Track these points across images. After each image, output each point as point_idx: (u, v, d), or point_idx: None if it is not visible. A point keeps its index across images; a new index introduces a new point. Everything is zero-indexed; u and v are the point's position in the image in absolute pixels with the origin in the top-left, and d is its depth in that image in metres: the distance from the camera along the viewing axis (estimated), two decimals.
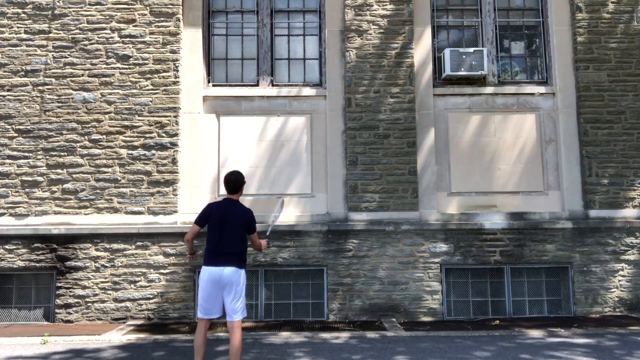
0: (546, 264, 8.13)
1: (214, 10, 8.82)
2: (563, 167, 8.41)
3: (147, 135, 8.09)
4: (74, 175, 8.00)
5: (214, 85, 8.65)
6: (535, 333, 6.90)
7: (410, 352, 6.00)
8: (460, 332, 6.99)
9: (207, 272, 4.92)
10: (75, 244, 7.82)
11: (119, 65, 8.19)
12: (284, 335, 6.84)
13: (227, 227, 5.01)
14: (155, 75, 8.19)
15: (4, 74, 8.12)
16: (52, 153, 8.03)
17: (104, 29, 8.24)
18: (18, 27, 8.20)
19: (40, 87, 8.12)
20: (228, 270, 4.88)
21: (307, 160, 8.42)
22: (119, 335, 6.83)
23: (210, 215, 5.13)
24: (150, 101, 8.14)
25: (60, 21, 8.23)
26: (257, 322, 7.78)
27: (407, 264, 7.96)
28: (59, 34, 8.22)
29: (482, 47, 8.69)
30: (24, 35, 8.19)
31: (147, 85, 8.16)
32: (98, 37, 8.22)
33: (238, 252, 5.00)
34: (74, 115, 8.09)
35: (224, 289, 4.90)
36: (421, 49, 8.57)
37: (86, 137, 8.07)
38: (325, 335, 6.86)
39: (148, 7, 8.28)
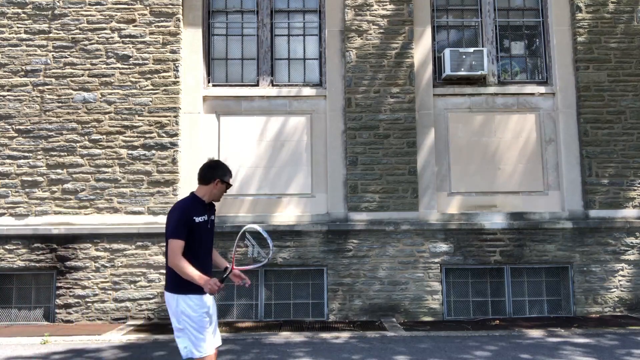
0: (546, 264, 8.13)
1: (214, 10, 8.82)
2: (563, 167, 8.41)
3: (147, 135, 8.09)
4: (74, 175, 8.00)
5: (214, 85, 8.65)
6: (535, 333, 6.90)
7: (410, 352, 6.00)
8: (460, 332, 6.99)
9: None
10: (75, 244, 7.82)
11: (119, 65, 8.19)
12: (284, 335, 6.84)
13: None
14: (155, 75, 8.18)
15: (4, 74, 8.12)
16: (52, 153, 8.02)
17: (104, 29, 8.23)
18: (18, 27, 8.20)
19: (40, 87, 8.12)
20: (166, 295, 3.81)
21: (307, 160, 8.42)
22: (119, 335, 6.83)
23: None
24: (150, 101, 8.14)
25: (60, 21, 8.23)
26: (257, 322, 7.79)
27: (407, 264, 7.96)
28: (59, 34, 8.21)
29: (482, 47, 8.70)
30: (24, 35, 8.19)
31: (147, 85, 8.16)
32: (98, 37, 8.22)
33: (168, 270, 3.77)
34: (74, 115, 8.09)
35: None
36: (421, 49, 8.57)
37: (86, 137, 8.06)
38: (326, 335, 6.86)
39: (148, 7, 8.28)
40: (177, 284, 3.66)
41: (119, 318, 7.74)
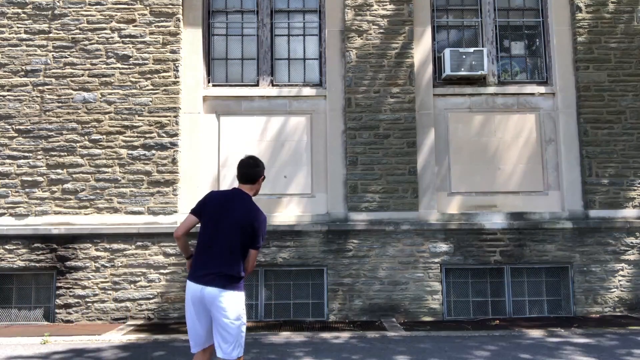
0: (546, 264, 8.13)
1: (214, 10, 8.82)
2: (563, 167, 8.41)
3: (147, 135, 8.09)
4: (74, 175, 8.00)
5: (214, 85, 8.65)
6: (535, 333, 6.90)
7: (410, 352, 6.00)
8: (460, 332, 6.99)
9: (189, 290, 3.70)
10: (75, 244, 7.82)
11: (119, 65, 8.19)
12: (284, 335, 6.84)
13: (223, 228, 3.71)
14: (155, 75, 8.18)
15: (4, 74, 8.12)
16: (52, 153, 8.02)
17: (104, 29, 8.23)
18: (18, 27, 8.20)
19: (40, 87, 8.12)
20: (210, 291, 3.61)
21: (307, 160, 8.42)
22: (119, 335, 6.83)
23: (205, 205, 3.86)
24: (150, 101, 8.14)
25: (60, 21, 8.22)
26: (257, 322, 7.79)
27: (407, 264, 7.96)
28: (59, 34, 8.21)
29: (482, 47, 8.69)
30: (24, 35, 8.19)
31: (147, 85, 8.16)
32: (98, 37, 8.22)
33: (230, 267, 3.67)
34: (74, 115, 8.09)
35: (211, 313, 3.65)
36: (421, 49, 8.57)
37: (86, 137, 8.06)
38: (326, 335, 6.86)
39: (148, 7, 8.28)
40: (239, 280, 3.71)
41: (119, 318, 7.74)
